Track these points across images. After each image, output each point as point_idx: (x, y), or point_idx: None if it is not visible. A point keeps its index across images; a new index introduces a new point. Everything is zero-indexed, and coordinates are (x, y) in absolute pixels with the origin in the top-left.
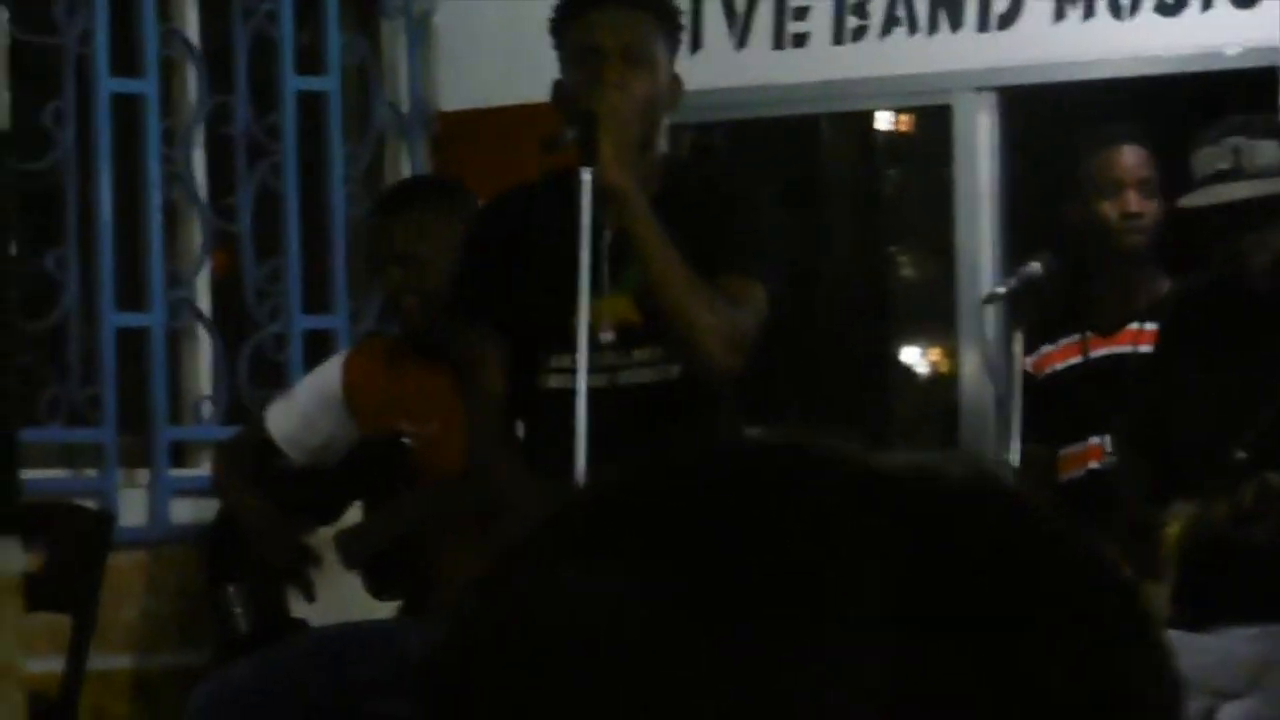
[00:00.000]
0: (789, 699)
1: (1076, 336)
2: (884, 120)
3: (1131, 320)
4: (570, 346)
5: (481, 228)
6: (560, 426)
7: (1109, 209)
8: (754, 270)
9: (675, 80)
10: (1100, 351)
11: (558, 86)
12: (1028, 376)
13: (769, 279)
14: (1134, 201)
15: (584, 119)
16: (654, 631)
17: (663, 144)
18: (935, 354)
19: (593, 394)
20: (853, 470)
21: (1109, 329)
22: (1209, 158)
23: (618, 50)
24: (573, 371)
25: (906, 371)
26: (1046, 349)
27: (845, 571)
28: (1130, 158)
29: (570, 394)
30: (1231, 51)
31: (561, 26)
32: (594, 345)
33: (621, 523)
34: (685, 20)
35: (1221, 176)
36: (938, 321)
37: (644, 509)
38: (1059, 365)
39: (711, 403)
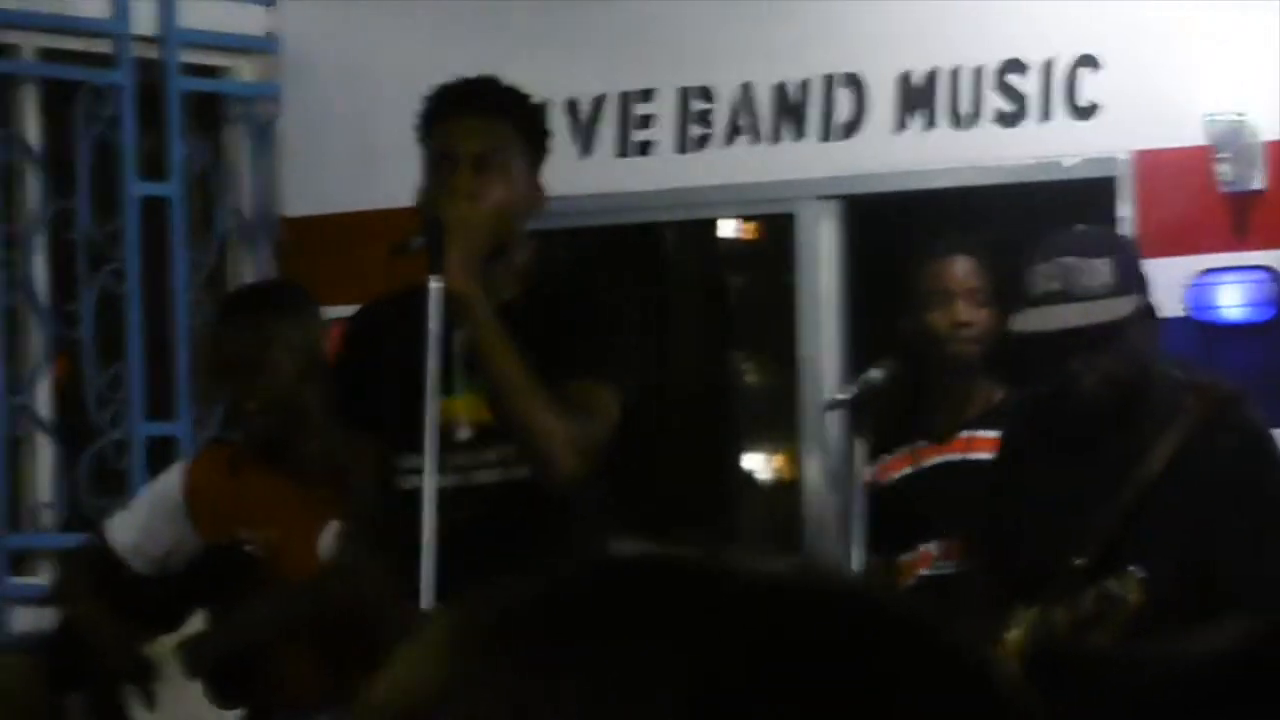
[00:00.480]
0: None
1: (910, 446)
2: (728, 228)
3: (963, 428)
4: (423, 448)
5: (350, 334)
6: (414, 527)
7: (939, 319)
8: (606, 377)
9: (536, 187)
10: (932, 460)
11: (418, 193)
12: (871, 486)
13: (622, 386)
14: (963, 311)
15: (432, 227)
16: None
17: (524, 251)
18: (778, 461)
19: (446, 494)
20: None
21: (941, 437)
22: (1041, 277)
23: (470, 158)
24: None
25: (750, 478)
26: (886, 458)
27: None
28: (959, 268)
29: (418, 494)
30: (1069, 162)
31: (423, 133)
32: (449, 445)
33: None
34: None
35: (1052, 298)
36: (781, 428)
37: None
38: (895, 475)
39: (564, 503)
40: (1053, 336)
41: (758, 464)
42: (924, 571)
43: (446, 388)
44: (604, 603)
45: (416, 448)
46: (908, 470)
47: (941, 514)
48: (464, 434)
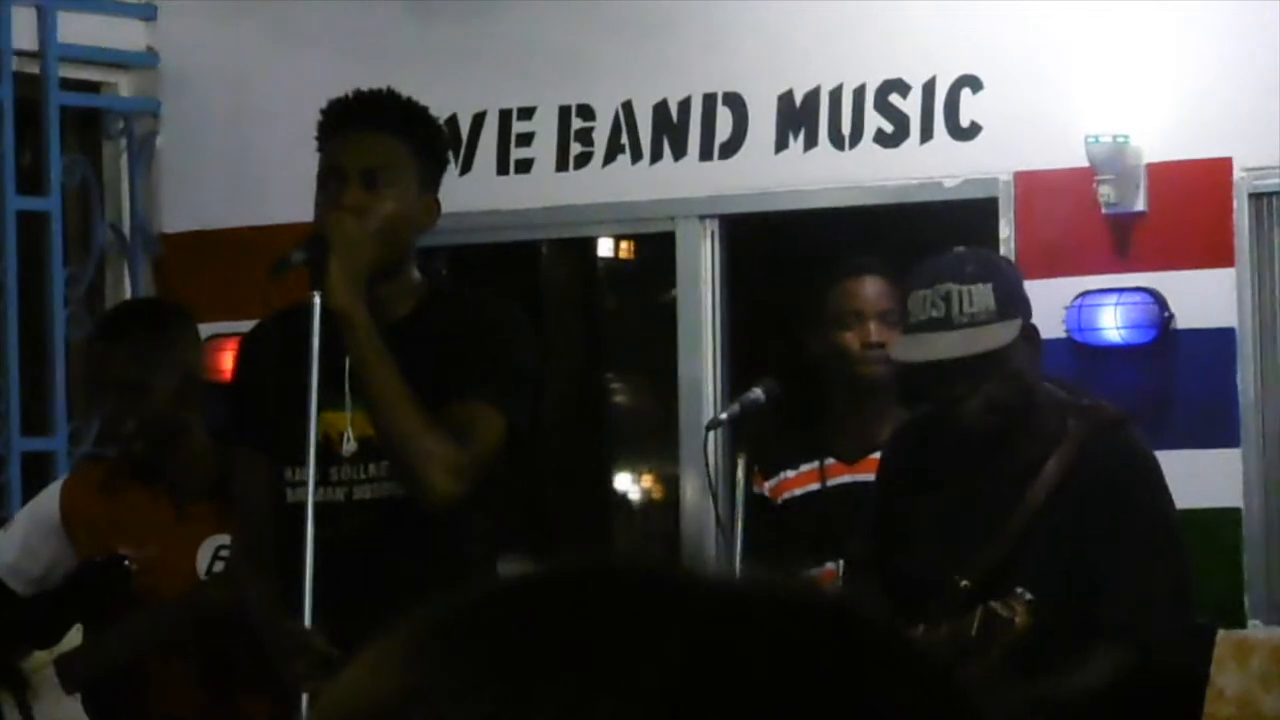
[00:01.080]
0: None
1: (816, 464)
2: (605, 246)
3: (873, 449)
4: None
5: (242, 350)
6: (299, 540)
7: (850, 339)
8: (493, 397)
9: (430, 202)
10: (839, 479)
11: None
12: (764, 501)
13: (511, 408)
14: (874, 331)
15: (314, 242)
16: None
17: (415, 269)
18: (649, 480)
19: (329, 508)
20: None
21: (851, 457)
22: (922, 303)
23: (357, 173)
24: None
25: (625, 498)
26: (787, 474)
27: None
28: (871, 288)
29: (303, 507)
30: (950, 183)
31: (319, 147)
32: (335, 459)
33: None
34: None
35: (932, 325)
36: (658, 448)
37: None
38: (797, 491)
39: (450, 520)
40: (935, 365)
41: (633, 483)
42: None
43: (334, 402)
44: (573, 609)
45: (302, 461)
46: (814, 487)
47: (846, 533)
48: (350, 448)
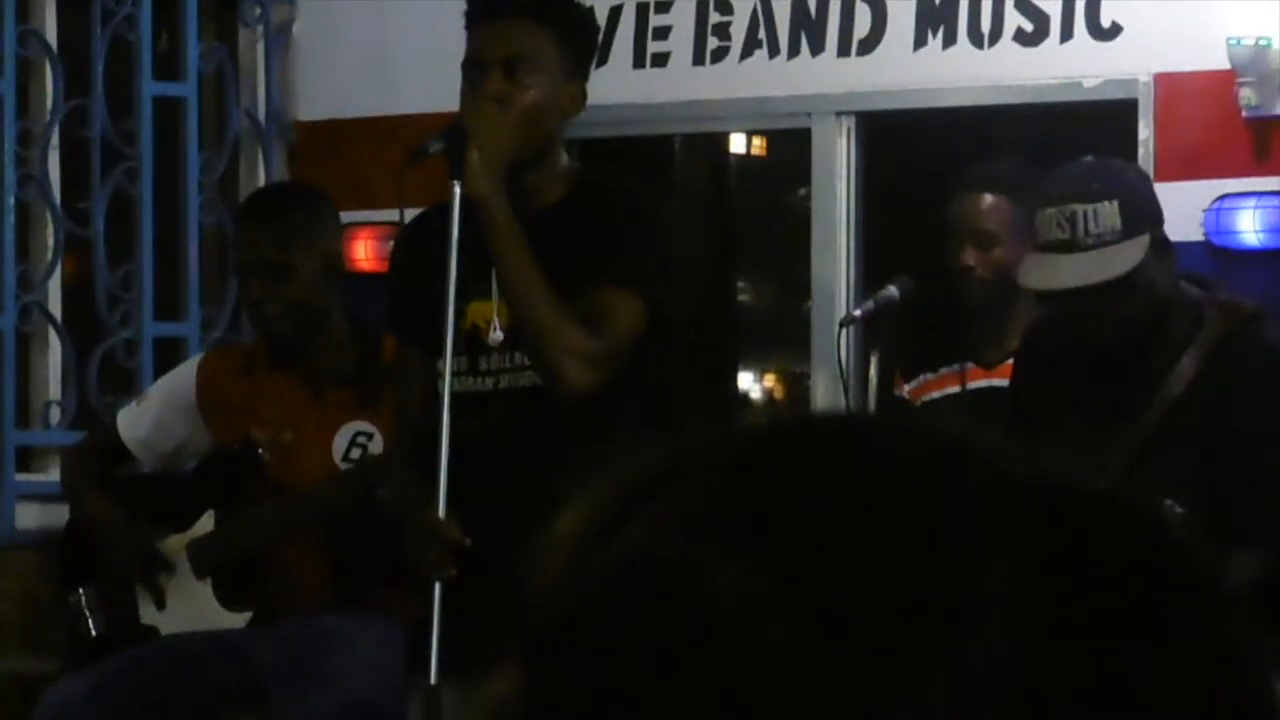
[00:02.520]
0: (912, 689)
1: (956, 367)
2: (739, 142)
3: (1009, 356)
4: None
5: (398, 242)
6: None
7: (954, 259)
8: (634, 284)
9: (575, 90)
10: (978, 383)
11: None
12: (903, 402)
13: (651, 295)
14: (969, 255)
15: (453, 131)
16: (739, 603)
17: (563, 157)
18: (777, 379)
19: (475, 397)
20: (966, 457)
21: (990, 363)
22: (1048, 222)
23: (500, 62)
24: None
25: (752, 396)
26: (927, 377)
27: (966, 563)
28: (973, 207)
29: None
30: (1090, 83)
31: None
32: (482, 349)
33: (699, 488)
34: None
35: (1058, 246)
36: (786, 346)
37: (720, 474)
38: (935, 394)
39: (598, 409)
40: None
41: (761, 382)
42: None
43: (482, 292)
44: (867, 469)
45: (439, 353)
46: (953, 389)
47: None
48: (496, 337)
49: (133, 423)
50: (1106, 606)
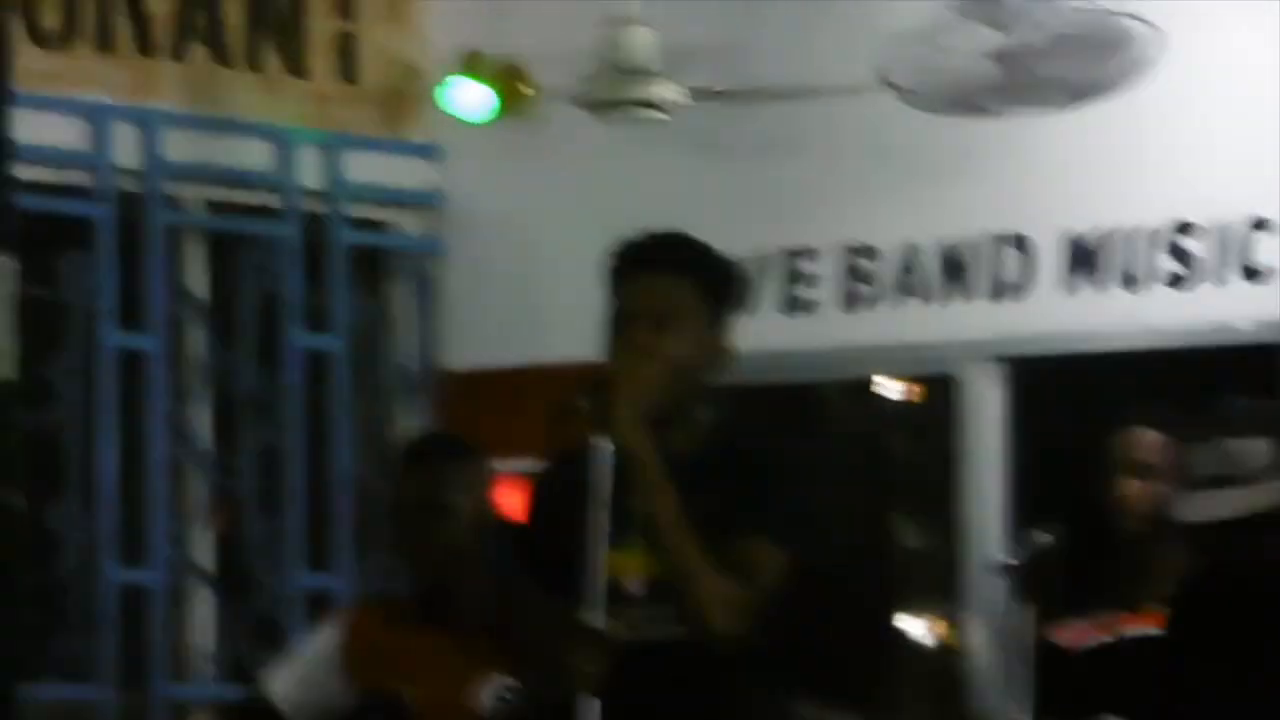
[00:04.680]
0: None
1: (1108, 613)
2: (889, 386)
3: (1157, 601)
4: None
5: (535, 489)
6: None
7: (1111, 491)
8: (775, 536)
9: (721, 344)
10: (1131, 631)
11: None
12: (1055, 650)
13: (793, 548)
14: (1127, 486)
15: (599, 386)
16: None
17: (706, 408)
18: (935, 623)
19: (616, 648)
20: None
21: (1140, 608)
22: (1202, 459)
23: (647, 314)
24: None
25: (909, 641)
26: (1078, 623)
27: None
28: (1133, 441)
29: None
30: (1243, 327)
31: (607, 289)
32: (620, 599)
33: None
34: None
35: (1216, 483)
36: (941, 591)
37: None
38: (1089, 641)
39: (735, 662)
40: (1217, 523)
41: (919, 626)
42: None
43: (619, 541)
44: None
45: (591, 602)
46: (1106, 638)
47: (1131, 688)
48: (635, 588)
49: (281, 682)
50: None
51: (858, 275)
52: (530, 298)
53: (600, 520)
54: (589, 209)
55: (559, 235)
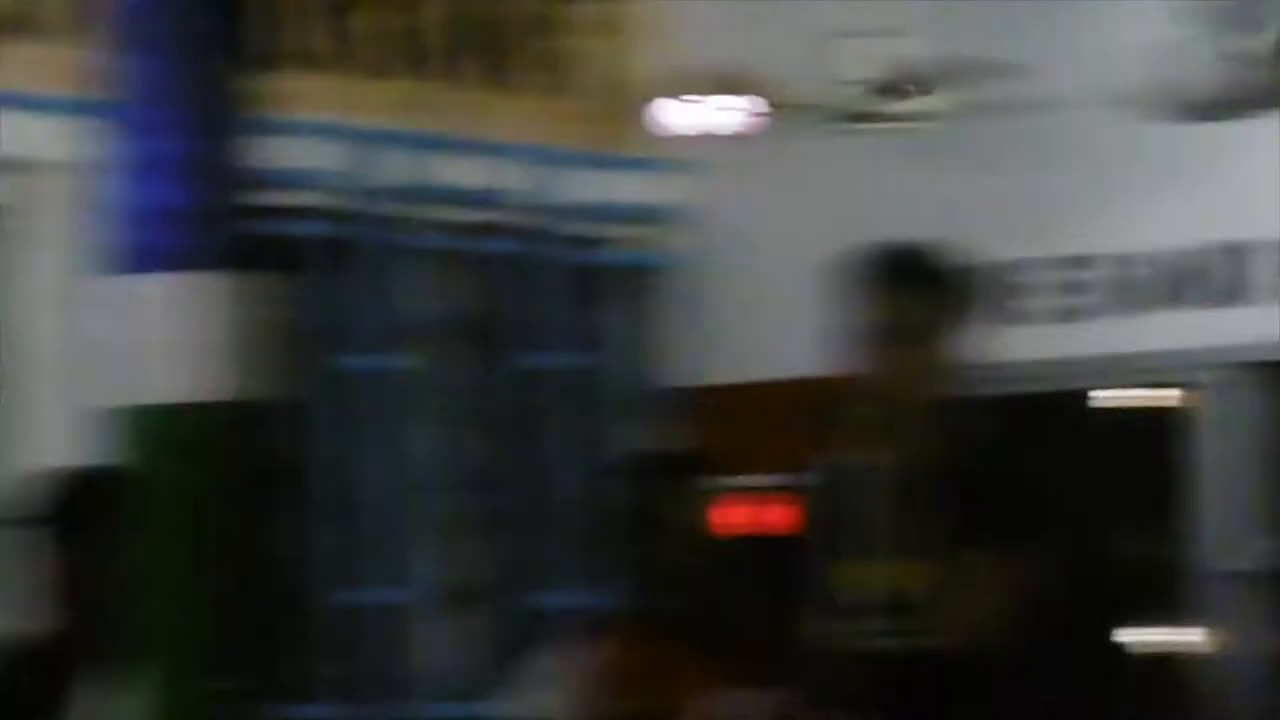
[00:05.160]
0: None
1: None
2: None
3: None
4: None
5: (811, 507)
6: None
7: None
8: (1014, 549)
9: (959, 353)
10: None
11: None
12: None
13: (1030, 558)
14: None
15: (854, 399)
16: None
17: (949, 416)
18: (1163, 633)
19: (882, 656)
20: None
21: None
22: None
23: (893, 327)
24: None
25: (1132, 651)
26: None
27: None
28: None
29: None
30: None
31: (855, 303)
32: (864, 610)
33: None
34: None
35: None
36: (1174, 600)
37: None
38: None
39: (979, 671)
40: None
41: (1143, 637)
42: None
43: (865, 552)
44: None
45: (833, 612)
46: None
47: None
48: (881, 599)
49: (542, 700)
50: None
51: (1125, 283)
52: (763, 313)
53: (855, 532)
54: (823, 220)
55: (794, 249)
